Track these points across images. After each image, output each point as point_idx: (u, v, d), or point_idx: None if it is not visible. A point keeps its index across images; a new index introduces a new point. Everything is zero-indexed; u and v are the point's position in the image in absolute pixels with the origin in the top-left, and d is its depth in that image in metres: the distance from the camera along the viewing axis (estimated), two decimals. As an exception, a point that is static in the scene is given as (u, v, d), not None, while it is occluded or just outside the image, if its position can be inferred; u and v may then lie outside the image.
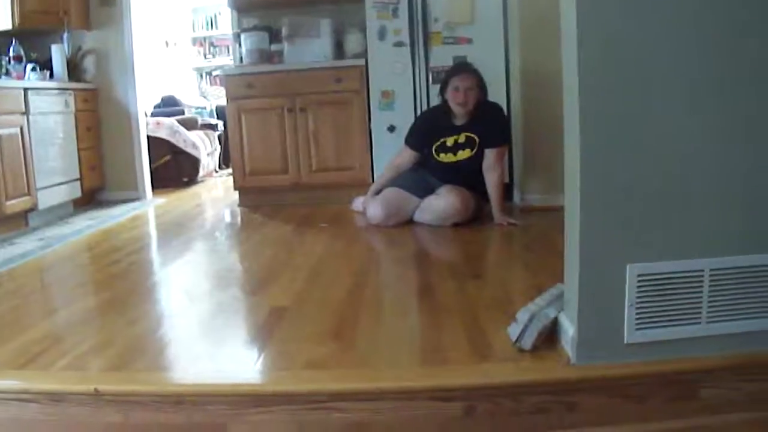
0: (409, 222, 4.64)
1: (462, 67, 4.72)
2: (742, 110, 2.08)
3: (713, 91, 2.07)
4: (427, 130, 4.78)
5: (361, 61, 5.69)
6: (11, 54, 5.78)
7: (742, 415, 2.17)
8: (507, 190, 5.25)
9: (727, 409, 2.17)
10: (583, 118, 2.07)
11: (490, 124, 4.64)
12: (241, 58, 6.12)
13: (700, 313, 2.15)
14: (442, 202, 4.50)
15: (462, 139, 4.63)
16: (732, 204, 2.12)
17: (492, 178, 4.61)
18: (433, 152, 4.73)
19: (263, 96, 5.80)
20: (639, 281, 2.11)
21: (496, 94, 5.23)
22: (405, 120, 5.14)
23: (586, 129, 2.08)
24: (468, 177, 4.62)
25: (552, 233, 3.96)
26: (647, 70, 2.06)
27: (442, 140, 4.68)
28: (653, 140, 2.08)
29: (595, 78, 2.06)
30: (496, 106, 4.77)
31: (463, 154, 4.64)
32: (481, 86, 4.59)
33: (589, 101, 2.07)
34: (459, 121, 4.62)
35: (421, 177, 4.74)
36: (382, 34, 5.50)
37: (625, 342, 2.16)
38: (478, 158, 4.64)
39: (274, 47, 6.00)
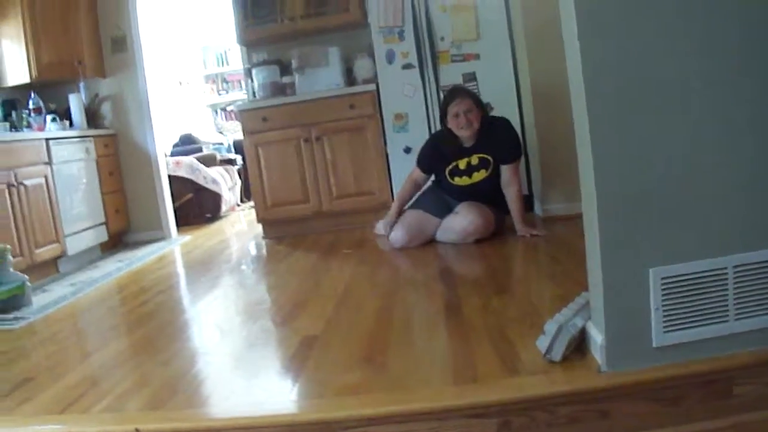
0: (432, 242, 4.67)
1: (455, 92, 4.71)
2: (756, 105, 2.10)
3: (725, 89, 2.09)
4: (436, 155, 4.79)
5: (372, 86, 5.74)
6: (31, 106, 5.89)
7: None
8: (527, 201, 5.28)
9: (763, 405, 2.17)
10: (593, 125, 2.10)
11: (500, 140, 4.64)
12: (254, 93, 6.19)
13: (727, 310, 2.15)
14: (462, 221, 4.51)
15: (475, 161, 4.65)
16: (750, 199, 2.13)
17: (511, 193, 4.63)
18: (447, 176, 4.75)
19: (279, 128, 5.87)
20: (663, 284, 2.12)
21: (508, 106, 5.29)
22: (420, 140, 5.14)
23: (596, 136, 2.10)
24: (487, 195, 4.65)
25: (575, 241, 3.94)
26: (654, 72, 2.08)
27: (454, 164, 4.70)
28: (665, 142, 2.10)
29: (602, 83, 2.08)
30: (502, 121, 4.77)
31: (479, 176, 4.67)
32: (479, 104, 4.60)
33: (597, 108, 2.09)
34: (467, 143, 4.64)
35: (440, 196, 4.78)
36: (390, 58, 5.56)
37: (654, 345, 2.16)
38: (494, 177, 4.66)
39: (285, 79, 6.07)
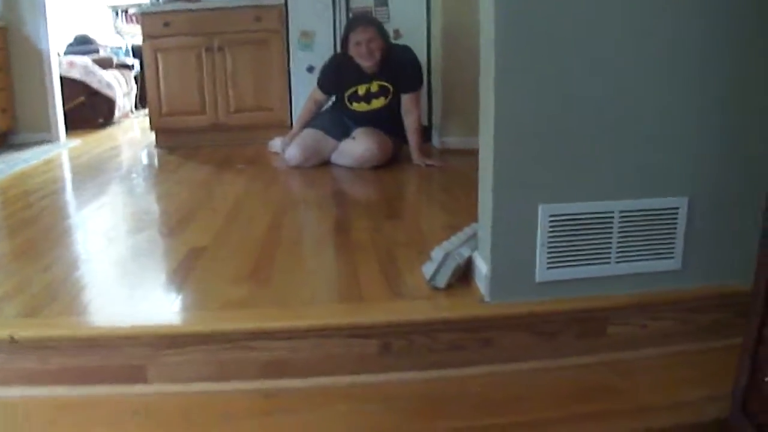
0: (327, 163, 4.65)
1: (358, 20, 4.68)
2: (660, 51, 2.14)
3: (627, 33, 2.11)
4: (336, 77, 4.75)
5: (281, 0, 5.60)
6: None
7: (647, 351, 2.27)
8: (426, 132, 5.31)
9: (633, 346, 2.27)
10: (498, 58, 2.09)
11: (401, 69, 4.63)
12: (158, -5, 5.98)
13: (609, 253, 2.23)
14: (359, 147, 4.50)
15: (375, 88, 4.64)
16: (643, 150, 2.19)
17: (409, 122, 4.64)
18: (346, 101, 4.73)
19: (181, 34, 5.70)
20: (551, 221, 2.17)
21: (417, 39, 5.28)
22: (324, 61, 5.09)
23: (500, 70, 2.10)
24: (385, 123, 4.64)
25: (469, 174, 3.98)
26: (564, 8, 2.08)
27: (353, 89, 4.68)
28: (566, 80, 2.12)
29: (513, 16, 2.07)
30: (404, 50, 4.76)
31: (377, 103, 4.66)
32: (382, 34, 4.57)
33: (504, 40, 2.09)
34: (369, 70, 4.60)
35: (339, 118, 4.75)
36: (302, -28, 5.43)
37: (537, 281, 2.23)
38: (393, 105, 4.65)
39: (191, -16, 5.88)
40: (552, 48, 2.10)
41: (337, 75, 4.74)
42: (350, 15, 5.38)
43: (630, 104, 2.15)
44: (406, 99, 4.63)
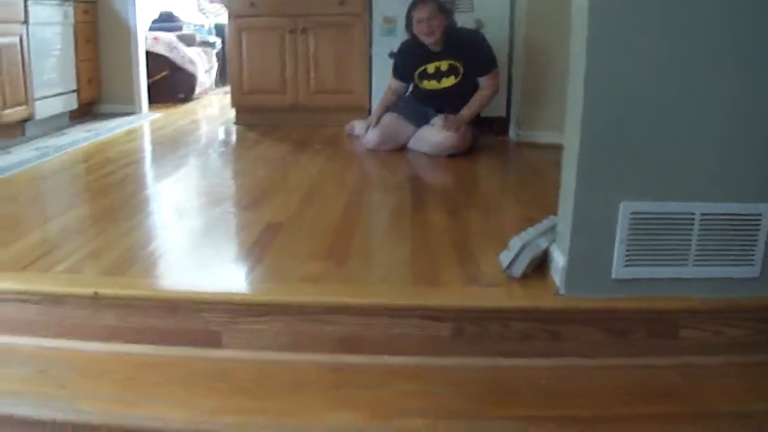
0: (404, 149, 4.66)
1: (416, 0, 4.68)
2: (748, 52, 2.10)
3: (720, 37, 2.08)
4: (407, 59, 4.80)
5: (365, -15, 5.64)
6: (11, -39, 5.70)
7: (720, 358, 2.23)
8: (503, 125, 5.34)
9: (704, 351, 2.24)
10: (590, 53, 2.09)
11: (470, 51, 4.63)
12: (245, -24, 6.05)
13: (687, 255, 2.20)
14: (437, 135, 4.50)
15: (444, 66, 4.64)
16: (728, 152, 2.15)
17: (478, 93, 4.64)
18: (417, 80, 4.75)
19: (265, 15, 5.75)
20: (632, 219, 2.16)
21: (500, 30, 5.25)
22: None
23: (591, 65, 2.09)
24: (458, 103, 4.63)
25: (545, 169, 4.01)
26: (655, 11, 2.06)
27: (422, 67, 4.70)
28: (658, 81, 2.10)
29: (605, 11, 2.06)
30: (471, 33, 4.79)
31: (447, 82, 4.66)
32: (442, 10, 4.57)
33: (596, 36, 2.08)
34: (435, 48, 4.62)
35: (418, 105, 4.76)
36: (388, -41, 5.44)
37: (613, 277, 2.21)
38: (464, 86, 4.64)
39: (278, -33, 5.93)
40: (642, 46, 2.08)
41: (407, 57, 4.79)
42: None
43: (718, 106, 2.12)
44: (482, 81, 4.64)
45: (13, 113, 5.11)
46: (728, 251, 2.21)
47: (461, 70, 4.61)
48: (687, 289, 2.23)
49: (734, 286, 2.25)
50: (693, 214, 2.16)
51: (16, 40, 5.14)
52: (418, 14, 4.54)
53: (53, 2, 5.66)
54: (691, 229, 2.18)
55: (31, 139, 5.24)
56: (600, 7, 2.06)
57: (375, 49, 5.60)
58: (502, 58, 4.92)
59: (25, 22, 5.24)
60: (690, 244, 2.19)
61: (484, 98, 4.65)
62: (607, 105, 2.11)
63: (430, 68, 4.67)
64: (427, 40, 4.56)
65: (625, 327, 2.22)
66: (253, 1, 5.74)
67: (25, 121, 5.35)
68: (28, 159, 4.44)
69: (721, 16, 2.06)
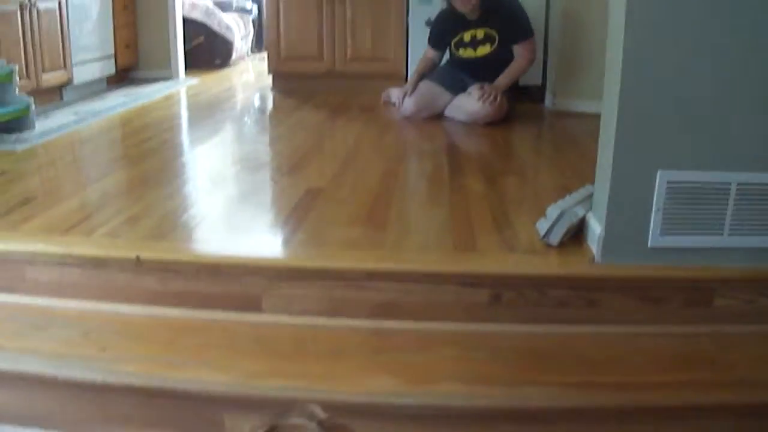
0: (440, 116, 4.66)
1: None
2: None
3: (757, 8, 2.06)
4: (443, 27, 4.81)
5: (403, -48, 5.61)
6: (51, -74, 5.73)
7: (753, 327, 2.23)
8: (539, 92, 5.32)
9: (738, 320, 2.24)
10: (629, 22, 2.08)
11: (506, 19, 4.61)
12: (283, -58, 6.04)
13: (723, 224, 2.20)
14: (474, 104, 4.48)
15: (480, 35, 4.63)
16: (764, 122, 2.14)
17: (514, 62, 4.62)
18: (453, 48, 4.75)
19: (303, -20, 5.76)
20: (668, 188, 2.16)
21: (537, -2, 5.20)
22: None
23: (630, 33, 2.08)
24: (496, 72, 4.61)
25: (582, 137, 4.00)
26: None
27: (459, 36, 4.69)
28: (695, 52, 2.08)
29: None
30: (506, 1, 4.74)
31: (483, 50, 4.65)
32: None
33: (635, 7, 2.07)
34: (472, 17, 4.61)
35: (455, 73, 4.74)
36: (426, -74, 5.41)
37: (649, 245, 2.22)
38: (500, 54, 4.63)
39: (318, -68, 5.92)
40: (682, 11, 2.06)
41: (444, 26, 4.80)
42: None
43: (757, 74, 2.10)
44: (516, 49, 4.62)
45: (52, 78, 5.18)
46: (763, 221, 2.20)
47: (497, 38, 4.59)
48: (722, 259, 2.24)
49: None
50: (729, 183, 2.16)
51: (55, 5, 5.19)
52: None
53: (92, -32, 5.70)
54: (727, 199, 2.17)
55: (69, 103, 5.30)
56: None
57: (412, 17, 5.57)
58: (538, 26, 4.88)
59: (65, -13, 5.29)
60: (726, 214, 2.19)
61: (519, 67, 4.63)
62: (646, 74, 2.10)
63: (467, 36, 4.65)
64: (464, 9, 4.54)
65: (661, 295, 2.23)
66: (291, -33, 5.74)
67: (63, 85, 5.42)
68: (66, 124, 4.49)
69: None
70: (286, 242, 2.43)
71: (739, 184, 2.16)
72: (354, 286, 2.19)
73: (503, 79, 4.56)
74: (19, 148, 3.81)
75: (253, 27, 8.93)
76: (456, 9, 4.59)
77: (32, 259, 2.32)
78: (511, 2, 4.76)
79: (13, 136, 4.06)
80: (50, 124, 4.45)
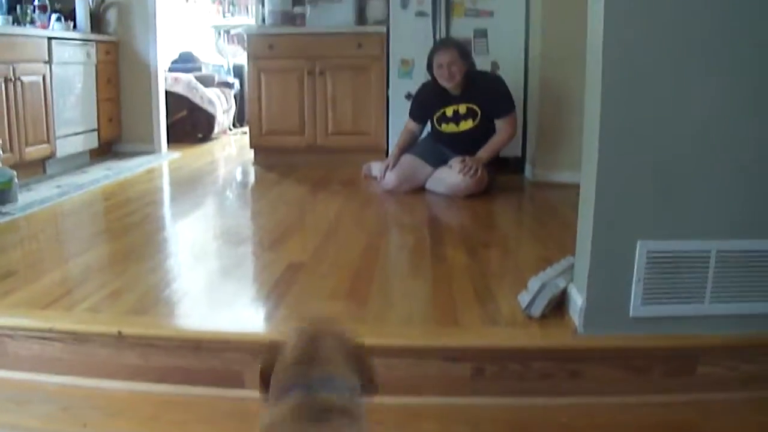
0: (421, 190, 4.69)
1: (439, 44, 4.80)
2: (759, 93, 2.13)
3: (735, 74, 2.12)
4: (425, 102, 4.87)
5: (383, 29, 5.71)
6: (36, 3, 5.80)
7: (736, 394, 2.23)
8: (518, 164, 5.39)
9: (723, 387, 2.24)
10: (604, 94, 2.12)
11: (488, 93, 4.69)
12: (264, 19, 6.14)
13: (704, 292, 2.21)
14: (455, 176, 4.52)
15: (463, 110, 4.70)
16: (742, 189, 2.18)
17: (494, 138, 4.67)
18: (435, 123, 4.81)
19: (284, 57, 5.85)
20: (648, 258, 2.18)
21: (515, 69, 5.30)
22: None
23: (607, 105, 2.13)
24: (477, 145, 4.66)
25: (562, 208, 4.04)
26: (671, 50, 2.10)
27: (441, 111, 4.76)
28: (672, 121, 2.13)
29: (619, 54, 2.11)
30: (489, 76, 4.89)
31: (465, 125, 4.71)
32: (463, 56, 4.63)
33: (611, 77, 2.12)
34: (454, 92, 4.69)
35: (436, 146, 4.80)
36: (405, 3, 5.51)
37: (631, 315, 2.22)
38: (482, 129, 4.68)
39: (297, 9, 6.03)
40: (657, 88, 2.12)
41: (426, 99, 4.86)
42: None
43: (733, 146, 2.15)
44: (498, 124, 4.68)
45: (35, 151, 5.20)
46: (744, 288, 2.22)
47: (479, 113, 4.66)
48: (704, 326, 2.25)
49: (750, 322, 2.25)
50: (709, 251, 2.18)
51: (39, 78, 5.24)
52: (438, 59, 4.61)
53: (76, 42, 5.78)
54: (707, 267, 2.19)
55: (52, 176, 5.31)
56: (614, 49, 2.11)
57: (392, 91, 5.66)
58: (517, 98, 4.95)
59: (49, 61, 5.35)
60: (707, 282, 2.20)
61: (500, 141, 4.68)
62: (623, 146, 2.15)
63: (449, 111, 4.72)
64: (447, 85, 4.63)
65: (644, 364, 2.23)
66: (272, 42, 5.84)
67: (46, 159, 5.43)
68: (49, 197, 4.50)
69: (738, 63, 2.10)
70: (268, 317, 2.43)
71: (718, 251, 2.18)
72: (336, 361, 2.17)
73: (484, 153, 4.60)
74: (2, 220, 3.81)
75: (236, 101, 9.01)
76: (439, 83, 4.66)
77: (13, 334, 2.31)
78: (494, 77, 4.87)
79: (-4, 209, 4.07)
80: (33, 197, 4.46)
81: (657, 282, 2.20)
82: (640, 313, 2.22)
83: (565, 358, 2.20)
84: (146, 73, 6.63)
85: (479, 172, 4.49)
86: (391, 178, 4.69)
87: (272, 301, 2.56)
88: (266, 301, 2.59)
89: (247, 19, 10.31)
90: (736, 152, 2.15)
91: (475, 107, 4.67)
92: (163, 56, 6.84)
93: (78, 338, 2.27)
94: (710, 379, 2.25)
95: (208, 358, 2.22)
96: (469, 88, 4.66)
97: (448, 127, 4.75)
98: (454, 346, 2.20)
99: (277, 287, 2.70)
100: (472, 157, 4.56)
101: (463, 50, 4.66)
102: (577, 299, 2.29)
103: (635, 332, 2.23)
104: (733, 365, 2.25)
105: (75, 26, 6.11)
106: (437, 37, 5.46)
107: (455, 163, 4.56)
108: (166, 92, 7.07)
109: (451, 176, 4.54)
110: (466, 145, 4.67)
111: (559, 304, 2.41)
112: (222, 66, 9.68)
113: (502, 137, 4.67)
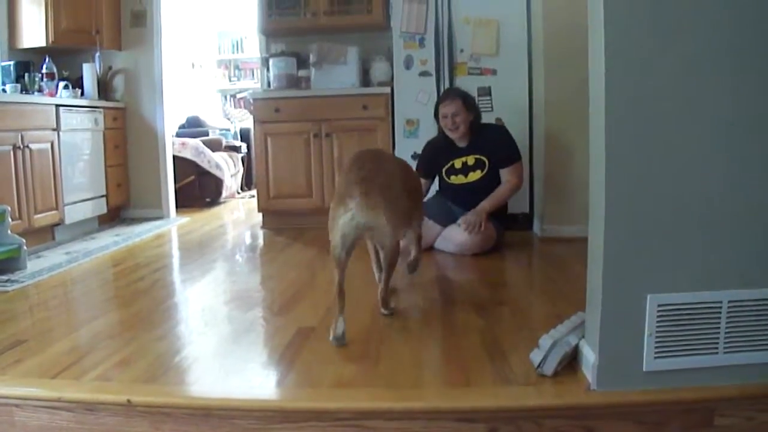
0: (430, 249, 4.68)
1: (444, 95, 4.83)
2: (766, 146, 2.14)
3: (739, 128, 2.12)
4: (433, 155, 4.90)
5: (387, 89, 5.79)
6: (44, 71, 5.90)
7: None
8: (527, 220, 5.41)
9: (741, 438, 2.21)
10: (609, 149, 2.13)
11: (494, 143, 4.73)
12: (269, 83, 6.23)
13: (717, 343, 2.20)
14: (463, 234, 4.52)
15: (471, 161, 4.74)
16: (751, 238, 2.17)
17: (500, 186, 4.70)
18: (444, 175, 4.84)
19: (290, 120, 5.91)
20: (659, 311, 2.16)
21: (519, 125, 5.34)
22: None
23: (611, 160, 2.14)
24: (485, 198, 4.67)
25: (571, 263, 4.03)
26: (675, 103, 2.12)
27: (450, 163, 4.80)
28: (678, 174, 2.13)
29: (622, 109, 2.12)
30: (495, 127, 4.94)
31: (474, 176, 4.74)
32: (468, 106, 4.68)
33: (615, 132, 2.13)
34: (461, 144, 4.73)
35: (443, 204, 4.81)
36: (408, 64, 5.59)
37: (644, 370, 2.20)
38: (490, 179, 4.71)
39: (301, 73, 6.11)
40: (662, 142, 2.13)
41: (433, 154, 4.90)
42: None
43: (741, 195, 2.15)
44: (504, 173, 4.70)
45: (44, 218, 5.24)
46: (758, 337, 2.21)
47: (487, 163, 4.69)
48: (719, 377, 2.22)
49: (766, 371, 2.23)
50: (720, 302, 2.17)
51: (48, 146, 5.30)
52: (443, 109, 4.68)
53: (84, 109, 5.86)
54: (719, 318, 2.18)
55: (60, 243, 5.35)
56: (617, 99, 2.13)
57: (398, 151, 5.68)
58: (522, 154, 4.97)
59: (57, 128, 5.42)
60: (719, 332, 2.19)
61: (504, 191, 4.70)
62: (629, 199, 2.15)
63: (458, 163, 4.75)
64: (451, 135, 4.68)
65: (660, 419, 2.20)
66: (278, 106, 5.90)
67: (55, 225, 5.47)
68: (58, 263, 4.52)
69: (745, 112, 2.12)
70: (279, 383, 2.41)
71: (730, 301, 2.17)
72: (349, 426, 2.15)
73: (486, 204, 4.61)
74: (11, 288, 3.83)
75: (243, 164, 9.07)
76: (447, 136, 4.70)
77: (21, 403, 2.29)
78: (499, 127, 4.94)
79: (5, 277, 4.09)
80: (42, 264, 4.49)
81: (669, 335, 2.18)
82: (654, 367, 2.20)
83: (579, 416, 2.17)
84: (153, 139, 6.72)
85: (482, 226, 4.49)
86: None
87: (283, 367, 2.54)
88: (276, 367, 2.57)
89: (252, 84, 10.46)
90: (744, 201, 2.15)
91: (483, 158, 4.71)
92: (170, 121, 6.93)
93: (87, 407, 2.25)
94: (728, 431, 2.21)
95: (219, 425, 2.19)
96: (475, 139, 4.71)
97: (457, 179, 4.78)
98: (467, 407, 2.17)
99: (288, 352, 2.69)
100: (474, 210, 4.57)
101: (468, 100, 4.71)
102: (590, 355, 2.27)
103: (649, 386, 2.21)
104: (751, 416, 2.22)
105: (82, 93, 6.20)
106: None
107: (463, 221, 4.56)
108: (174, 157, 7.16)
109: (458, 235, 4.55)
110: (474, 196, 4.69)
111: (571, 361, 2.39)
112: (228, 130, 9.77)
113: (506, 188, 4.69)
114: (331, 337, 2.73)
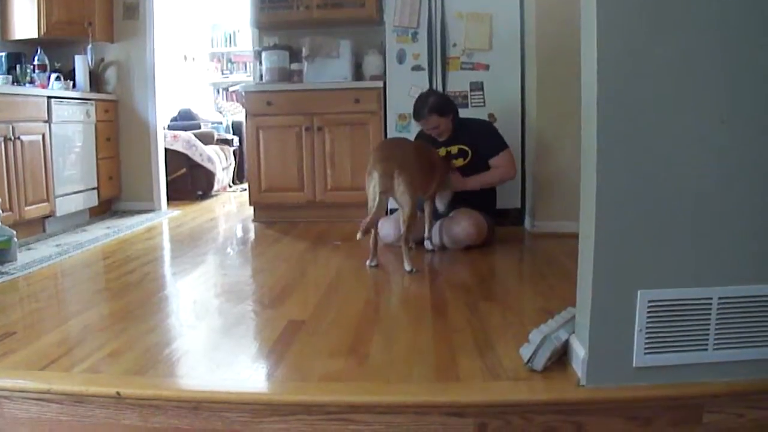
0: (421, 243, 4.67)
1: (416, 114, 4.73)
2: (757, 143, 2.14)
3: (730, 125, 2.12)
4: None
5: (379, 83, 5.79)
6: (36, 62, 5.88)
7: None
8: (518, 215, 5.43)
9: (728, 434, 2.21)
10: (600, 145, 2.13)
11: (477, 134, 4.77)
12: (261, 76, 6.21)
13: (707, 339, 2.20)
14: (455, 227, 4.53)
15: (454, 150, 4.76)
16: (742, 234, 2.17)
17: (491, 170, 4.72)
18: None
19: (282, 114, 5.90)
20: (649, 307, 2.16)
21: (511, 120, 5.35)
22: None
23: (602, 156, 2.14)
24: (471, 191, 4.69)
25: (562, 259, 4.03)
26: (666, 100, 2.12)
27: None
28: (669, 171, 2.13)
29: (614, 105, 2.12)
30: (478, 121, 4.98)
31: (457, 163, 4.74)
32: (442, 113, 4.67)
33: (606, 128, 2.13)
34: (442, 138, 4.78)
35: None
36: (401, 58, 5.59)
37: (634, 365, 2.20)
38: (473, 168, 4.70)
39: (294, 66, 6.10)
40: (653, 138, 2.13)
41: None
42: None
43: (730, 192, 2.15)
44: (493, 161, 4.72)
45: (35, 210, 5.22)
46: (748, 333, 2.21)
47: (470, 152, 4.71)
48: (709, 374, 2.22)
49: (755, 367, 2.23)
50: (710, 298, 2.17)
51: (39, 138, 5.28)
52: (422, 126, 4.76)
53: (75, 101, 5.83)
54: (709, 314, 2.18)
55: (51, 235, 5.34)
56: (609, 95, 2.12)
57: (390, 145, 5.65)
58: (514, 148, 4.98)
59: (48, 120, 5.39)
60: (709, 329, 2.19)
61: (494, 174, 4.72)
62: (620, 195, 2.15)
63: (442, 152, 4.76)
64: (432, 134, 4.74)
65: (649, 415, 2.20)
66: (270, 99, 5.89)
67: (46, 217, 5.45)
68: (48, 256, 4.51)
69: (736, 113, 2.12)
70: (269, 376, 2.40)
71: (720, 298, 2.17)
72: (338, 420, 2.15)
73: (472, 180, 4.67)
74: (1, 280, 3.81)
75: (235, 158, 9.06)
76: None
77: (10, 395, 2.29)
78: (481, 121, 5.02)
79: (-5, 269, 4.07)
80: (33, 256, 4.47)
81: (659, 331, 2.18)
82: (644, 363, 2.20)
83: (568, 411, 2.17)
84: (145, 132, 6.70)
85: (458, 177, 4.62)
86: (389, 232, 4.66)
87: (272, 360, 2.54)
88: (266, 360, 2.56)
89: (245, 77, 10.44)
90: (734, 199, 2.15)
91: (465, 147, 4.72)
92: (162, 114, 6.92)
93: (76, 400, 2.25)
94: (717, 427, 2.22)
95: (208, 419, 2.19)
96: (456, 133, 4.75)
97: None
98: (457, 402, 2.17)
99: (278, 345, 2.68)
100: (466, 202, 4.61)
101: (440, 109, 4.66)
102: (580, 351, 2.27)
103: (639, 382, 2.21)
104: (739, 412, 2.22)
105: (74, 85, 6.18)
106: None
107: (456, 214, 4.57)
108: (166, 150, 7.14)
109: (451, 227, 4.54)
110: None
111: (561, 356, 2.39)
112: (220, 123, 9.75)
113: (494, 172, 4.71)
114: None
